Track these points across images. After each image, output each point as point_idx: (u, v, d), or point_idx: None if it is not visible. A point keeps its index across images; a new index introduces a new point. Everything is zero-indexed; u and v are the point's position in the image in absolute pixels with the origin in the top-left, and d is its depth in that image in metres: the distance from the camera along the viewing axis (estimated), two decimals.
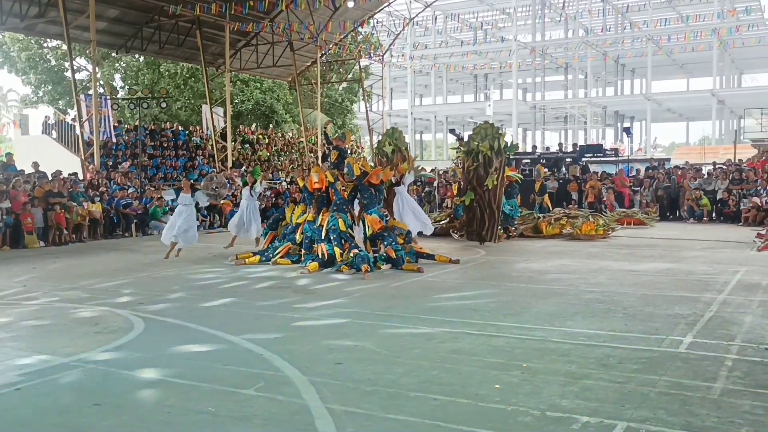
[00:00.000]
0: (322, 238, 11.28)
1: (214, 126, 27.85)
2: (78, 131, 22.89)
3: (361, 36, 36.72)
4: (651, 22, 38.66)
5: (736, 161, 23.56)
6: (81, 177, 20.39)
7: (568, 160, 24.39)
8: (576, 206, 20.19)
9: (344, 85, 40.83)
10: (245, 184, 14.51)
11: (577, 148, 26.62)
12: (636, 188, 22.64)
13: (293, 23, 27.90)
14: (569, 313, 7.26)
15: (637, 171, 24.96)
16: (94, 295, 8.68)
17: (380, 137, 16.65)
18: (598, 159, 26.50)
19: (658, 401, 4.43)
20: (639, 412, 4.23)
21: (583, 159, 24.93)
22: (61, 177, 17.76)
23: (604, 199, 21.05)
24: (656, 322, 6.76)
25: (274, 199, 20.56)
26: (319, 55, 32.26)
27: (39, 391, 4.80)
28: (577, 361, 5.39)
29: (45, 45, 34.49)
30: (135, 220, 18.06)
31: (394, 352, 5.73)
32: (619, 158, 26.99)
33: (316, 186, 11.72)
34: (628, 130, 30.79)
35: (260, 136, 32.23)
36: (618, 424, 4.03)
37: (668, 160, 32.86)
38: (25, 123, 27.11)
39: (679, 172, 22.21)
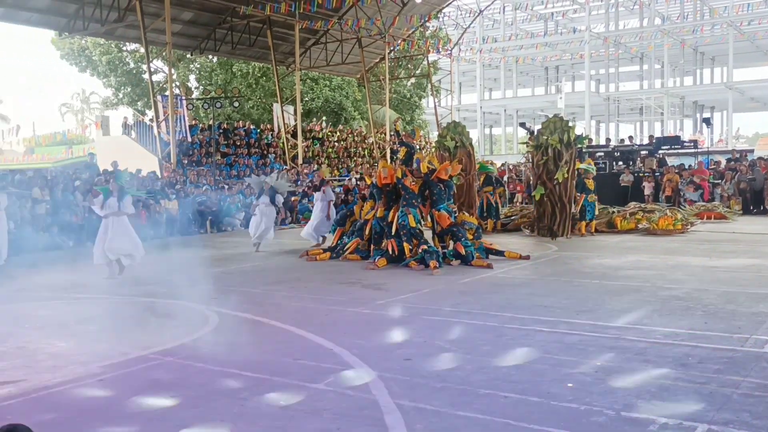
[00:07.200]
0: (392, 233, 11.30)
1: (285, 124, 28.30)
2: (155, 131, 23.67)
3: (429, 31, 36.58)
4: (732, 7, 37.00)
5: None
6: (159, 175, 21.09)
7: (643, 152, 23.60)
8: (651, 200, 19.57)
9: (412, 80, 40.76)
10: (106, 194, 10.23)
11: (653, 140, 25.76)
12: (717, 181, 21.74)
13: (361, 19, 28.04)
14: (645, 310, 7.04)
15: (717, 163, 23.97)
16: (171, 290, 8.95)
17: (441, 131, 16.61)
18: (676, 151, 25.55)
19: (742, 403, 4.23)
20: (721, 414, 4.06)
21: (660, 151, 24.09)
22: (140, 176, 18.43)
23: (685, 197, 20.29)
24: (739, 320, 6.47)
25: (343, 195, 20.72)
26: (388, 51, 32.32)
27: (119, 383, 4.98)
28: (653, 360, 5.22)
29: (124, 48, 35.80)
30: (210, 217, 18.55)
31: (464, 348, 5.69)
32: (699, 150, 25.95)
33: (385, 181, 11.74)
34: (707, 121, 29.60)
35: (329, 134, 32.56)
36: (698, 426, 3.88)
37: (751, 151, 31.41)
38: (106, 124, 28.19)
39: (763, 164, 21.20)
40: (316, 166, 27.76)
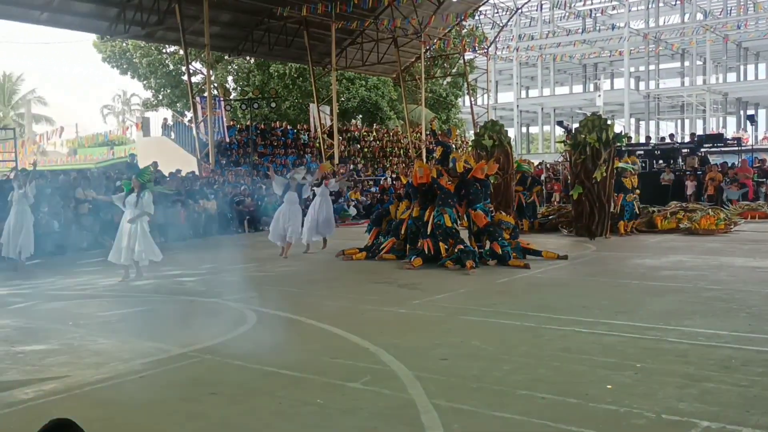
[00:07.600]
0: (428, 233, 11.27)
1: (321, 124, 28.48)
2: (194, 132, 24.02)
3: (465, 29, 36.41)
4: None
5: None
6: (198, 175, 21.38)
7: (685, 151, 23.15)
8: (693, 200, 19.19)
9: (448, 79, 40.61)
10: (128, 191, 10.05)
11: (695, 138, 25.25)
12: (761, 180, 21.23)
13: (397, 19, 28.03)
14: (687, 311, 6.91)
15: (762, 161, 23.40)
16: (210, 288, 9.08)
17: (479, 130, 16.56)
18: (719, 149, 25.01)
19: None
20: (765, 418, 3.96)
21: (702, 150, 23.60)
22: (180, 176, 18.71)
23: (728, 196, 19.86)
24: None
25: (379, 195, 20.75)
26: (423, 50, 32.26)
27: (160, 380, 5.07)
28: (695, 362, 5.12)
29: (164, 51, 36.38)
30: (247, 216, 18.75)
31: (501, 348, 5.65)
32: (742, 148, 25.36)
33: (421, 181, 11.72)
34: (752, 118, 28.93)
35: (365, 133, 32.65)
36: (742, 430, 3.80)
37: None
38: (147, 125, 28.74)
39: None
40: (352, 165, 27.88)
